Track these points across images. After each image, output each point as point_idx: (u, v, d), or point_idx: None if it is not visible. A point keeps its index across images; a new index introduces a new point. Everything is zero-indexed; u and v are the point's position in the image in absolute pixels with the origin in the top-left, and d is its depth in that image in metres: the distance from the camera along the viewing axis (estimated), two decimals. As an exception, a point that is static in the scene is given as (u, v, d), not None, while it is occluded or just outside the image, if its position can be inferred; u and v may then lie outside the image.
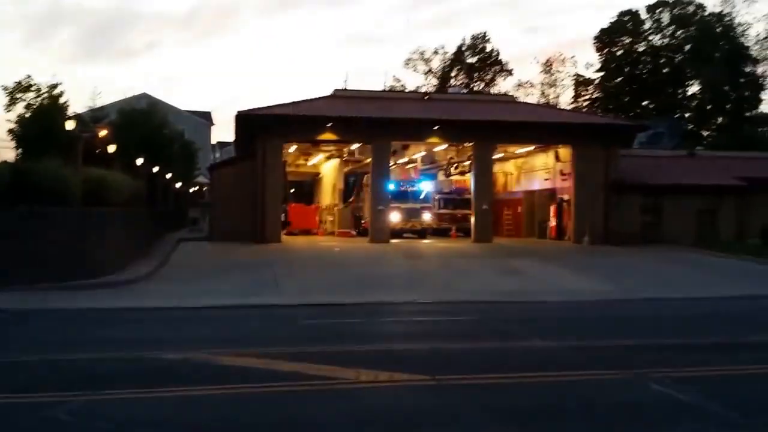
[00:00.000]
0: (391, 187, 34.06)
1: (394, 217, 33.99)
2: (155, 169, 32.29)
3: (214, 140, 76.49)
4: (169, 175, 36.75)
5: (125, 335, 12.40)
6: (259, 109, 30.90)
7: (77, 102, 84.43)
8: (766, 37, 57.05)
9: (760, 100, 57.30)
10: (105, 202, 20.02)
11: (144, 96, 48.19)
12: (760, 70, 57.43)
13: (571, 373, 9.21)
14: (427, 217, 35.76)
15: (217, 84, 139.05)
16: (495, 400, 8.05)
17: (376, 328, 13.35)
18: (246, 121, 30.47)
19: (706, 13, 58.31)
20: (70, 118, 24.42)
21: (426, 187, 37.23)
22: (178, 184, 43.64)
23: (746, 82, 56.60)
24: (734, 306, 16.70)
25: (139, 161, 29.44)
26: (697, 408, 7.80)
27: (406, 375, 9.01)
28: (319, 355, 10.18)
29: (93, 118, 31.38)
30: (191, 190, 54.46)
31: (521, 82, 66.68)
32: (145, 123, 33.69)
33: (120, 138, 29.87)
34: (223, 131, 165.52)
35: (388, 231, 31.70)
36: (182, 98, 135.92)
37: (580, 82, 63.18)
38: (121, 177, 23.11)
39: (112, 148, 25.99)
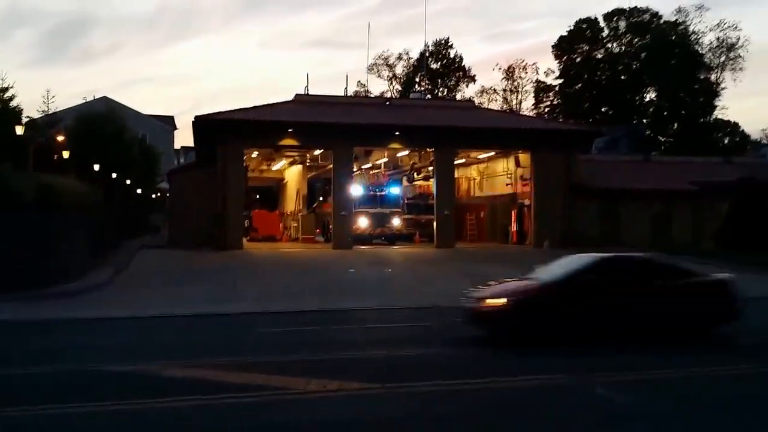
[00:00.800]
0: (360, 191, 33.84)
1: (363, 222, 33.60)
2: (114, 175, 31.81)
3: (178, 145, 75.60)
4: (128, 181, 36.23)
5: (72, 347, 12.15)
6: (218, 113, 30.69)
7: (34, 106, 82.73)
8: (718, 46, 58.73)
9: (713, 107, 58.89)
10: (59, 209, 19.61)
11: (103, 100, 47.39)
12: (713, 77, 59.06)
13: (521, 378, 9.34)
14: (396, 222, 35.18)
15: (182, 88, 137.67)
16: (441, 407, 8.09)
17: (333, 336, 13.30)
18: (205, 125, 30.19)
19: (662, 22, 59.78)
20: (21, 122, 23.89)
21: (395, 191, 36.63)
22: (139, 190, 43.03)
23: (700, 88, 58.14)
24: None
25: (96, 167, 28.97)
26: (638, 411, 7.93)
27: (356, 383, 9.00)
28: (271, 365, 10.12)
29: (48, 123, 30.78)
30: (153, 196, 53.70)
31: (484, 88, 67.42)
32: (103, 127, 33.15)
33: (77, 143, 29.41)
34: (188, 136, 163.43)
35: (352, 237, 31.68)
36: (144, 102, 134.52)
37: (541, 89, 64.15)
38: (76, 183, 22.69)
39: (66, 154, 25.58)
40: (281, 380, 9.06)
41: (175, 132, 72.73)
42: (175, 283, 20.34)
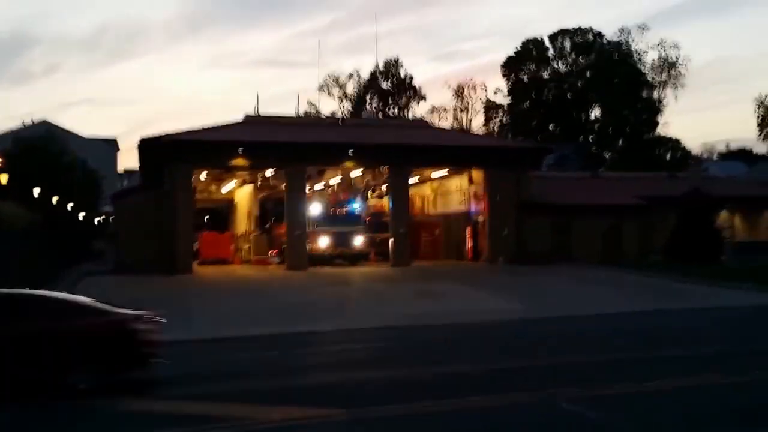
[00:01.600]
0: (319, 210, 33.00)
1: (323, 242, 32.40)
2: (55, 200, 30.61)
3: (121, 167, 73.84)
4: (70, 205, 34.95)
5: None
6: (165, 135, 29.86)
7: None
8: (659, 64, 60.68)
9: (656, 123, 60.67)
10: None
11: (42, 123, 45.83)
12: (655, 94, 60.91)
13: (486, 397, 9.17)
14: (358, 241, 33.45)
15: (125, 109, 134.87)
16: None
17: (290, 361, 12.89)
18: (151, 147, 29.33)
19: (605, 41, 61.46)
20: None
21: (357, 209, 34.67)
22: (82, 215, 41.55)
23: (643, 106, 59.88)
24: (641, 321, 17.21)
25: (36, 191, 27.81)
26: (604, 426, 7.84)
27: (319, 410, 8.63)
28: (229, 394, 9.67)
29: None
30: (97, 221, 52.02)
31: (434, 107, 67.95)
32: (42, 151, 31.93)
33: (16, 167, 28.21)
34: (132, 158, 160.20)
35: (307, 257, 31.12)
36: (86, 124, 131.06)
37: (490, 107, 65.03)
38: (13, 208, 21.62)
39: (4, 179, 24.47)
40: (242, 410, 8.64)
41: (118, 154, 71.04)
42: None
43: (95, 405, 9.26)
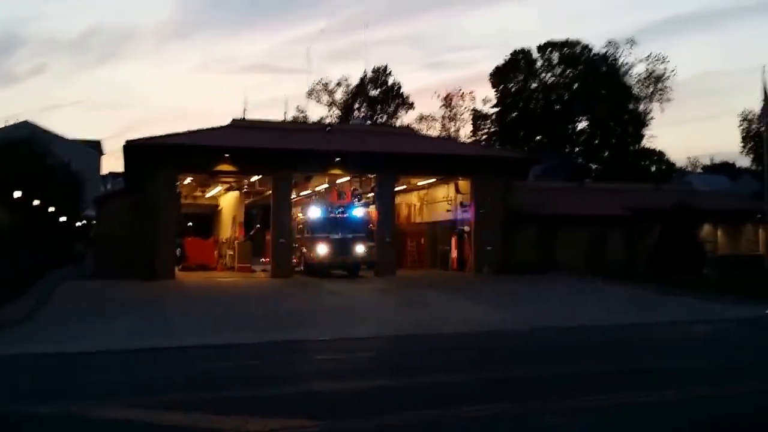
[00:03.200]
0: (319, 214, 31.57)
1: (321, 250, 30.58)
2: (35, 203, 30.07)
3: (105, 170, 73.19)
4: (52, 209, 34.39)
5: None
6: (150, 138, 29.53)
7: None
8: (646, 77, 61.13)
9: (642, 136, 61.13)
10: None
11: (24, 124, 45.25)
12: (641, 107, 61.35)
13: (466, 409, 9.00)
14: (360, 249, 31.38)
15: (111, 112, 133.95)
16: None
17: (272, 370, 12.63)
18: (136, 151, 29.00)
19: (592, 54, 61.86)
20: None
21: (360, 213, 32.35)
22: (63, 218, 40.94)
23: (630, 118, 60.30)
24: (628, 332, 17.19)
25: (17, 194, 27.30)
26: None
27: (299, 421, 8.42)
28: (206, 403, 9.38)
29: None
30: (78, 224, 51.33)
31: (423, 115, 67.93)
32: (24, 152, 31.43)
33: (-4, 168, 27.73)
34: (116, 161, 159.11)
35: (290, 266, 30.81)
36: (72, 126, 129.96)
37: (478, 117, 65.14)
38: (-8, 211, 21.18)
39: (-16, 180, 24.01)
40: (219, 420, 8.38)
41: (103, 157, 70.41)
42: (101, 316, 19.10)
43: (67, 412, 8.95)
